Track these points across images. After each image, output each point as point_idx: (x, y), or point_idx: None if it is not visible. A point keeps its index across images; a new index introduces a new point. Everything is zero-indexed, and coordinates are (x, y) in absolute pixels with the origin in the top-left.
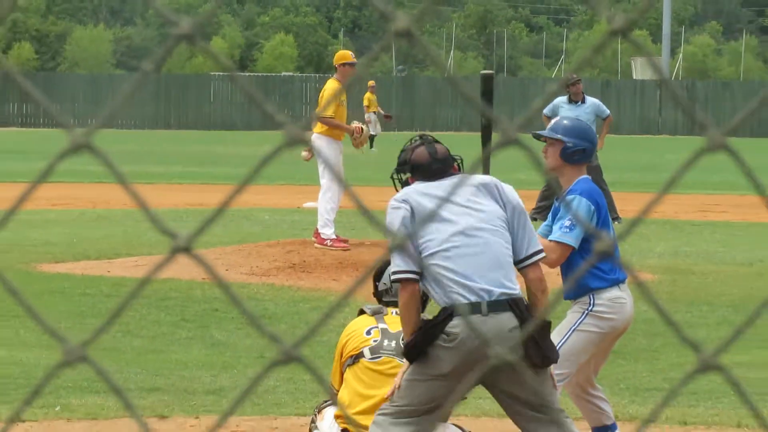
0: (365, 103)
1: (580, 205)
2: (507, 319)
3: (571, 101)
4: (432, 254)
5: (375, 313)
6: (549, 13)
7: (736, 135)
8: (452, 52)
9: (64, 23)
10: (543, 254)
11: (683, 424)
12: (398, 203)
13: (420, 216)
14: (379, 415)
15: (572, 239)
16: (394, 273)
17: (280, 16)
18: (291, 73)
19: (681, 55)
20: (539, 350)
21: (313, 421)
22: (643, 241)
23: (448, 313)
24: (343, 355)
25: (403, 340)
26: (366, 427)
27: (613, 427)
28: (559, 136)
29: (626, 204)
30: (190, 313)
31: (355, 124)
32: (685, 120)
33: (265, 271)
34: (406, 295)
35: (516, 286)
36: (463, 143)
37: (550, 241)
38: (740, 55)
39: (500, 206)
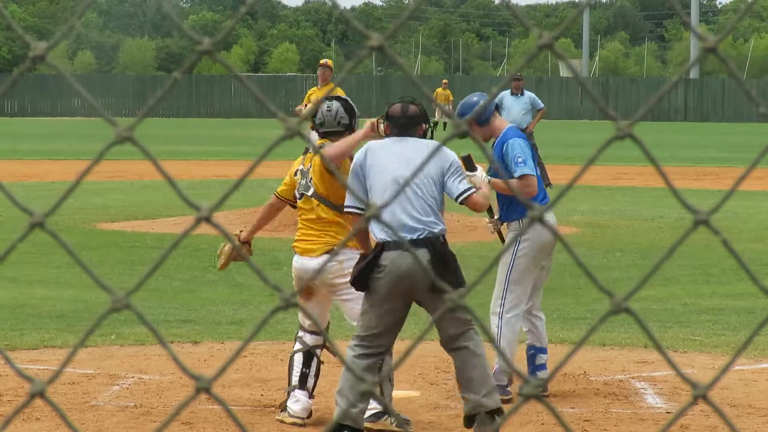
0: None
1: (515, 144)
2: (423, 254)
3: (512, 94)
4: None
5: (304, 153)
6: (494, 25)
7: (640, 120)
8: (419, 56)
9: (117, 35)
10: (472, 190)
11: (602, 346)
12: (362, 148)
13: (371, 159)
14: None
15: (529, 168)
16: (346, 207)
17: (285, 29)
18: (294, 74)
19: (597, 58)
20: (442, 277)
21: (301, 328)
22: (569, 202)
23: (379, 249)
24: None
25: (311, 180)
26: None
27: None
28: (461, 121)
29: (555, 173)
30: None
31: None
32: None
33: (274, 228)
34: (355, 223)
35: (437, 227)
36: None
37: (516, 179)
38: (643, 57)
39: (439, 165)
